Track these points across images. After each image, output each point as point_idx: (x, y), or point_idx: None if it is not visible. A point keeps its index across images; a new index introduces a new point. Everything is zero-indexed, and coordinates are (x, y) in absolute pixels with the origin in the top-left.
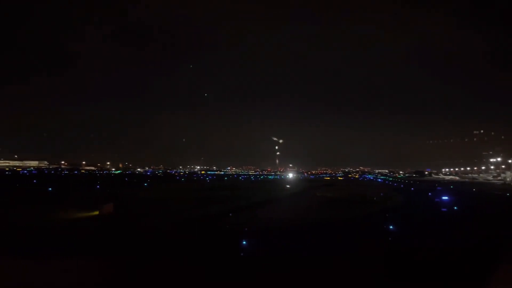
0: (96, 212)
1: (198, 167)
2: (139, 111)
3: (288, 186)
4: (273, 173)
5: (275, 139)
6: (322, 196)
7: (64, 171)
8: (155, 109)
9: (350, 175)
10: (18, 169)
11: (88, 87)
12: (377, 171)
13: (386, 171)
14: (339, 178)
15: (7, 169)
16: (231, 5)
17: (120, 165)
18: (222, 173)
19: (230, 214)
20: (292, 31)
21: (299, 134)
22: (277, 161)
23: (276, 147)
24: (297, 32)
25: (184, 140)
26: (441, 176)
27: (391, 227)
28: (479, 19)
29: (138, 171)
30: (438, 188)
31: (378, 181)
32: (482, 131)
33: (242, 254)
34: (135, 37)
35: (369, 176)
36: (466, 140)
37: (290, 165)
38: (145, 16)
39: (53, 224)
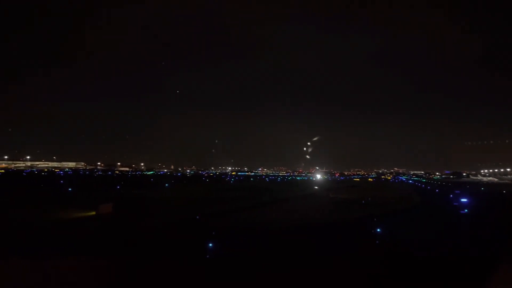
0: (93, 213)
1: (230, 168)
2: (173, 113)
3: (307, 187)
4: (303, 174)
5: (310, 143)
6: (333, 198)
7: (98, 171)
8: (190, 111)
9: (383, 177)
10: (56, 170)
11: (124, 91)
12: (412, 172)
13: (422, 172)
14: (369, 179)
15: (46, 169)
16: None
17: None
18: (252, 174)
19: (227, 215)
20: (316, 32)
21: (333, 135)
22: (302, 164)
23: (304, 149)
24: (321, 33)
25: (216, 141)
26: (479, 177)
27: (379, 230)
28: None
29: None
30: (457, 191)
31: (409, 182)
32: None
33: (208, 256)
34: (168, 39)
35: (402, 177)
36: (506, 141)
37: (317, 168)
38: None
39: (44, 224)
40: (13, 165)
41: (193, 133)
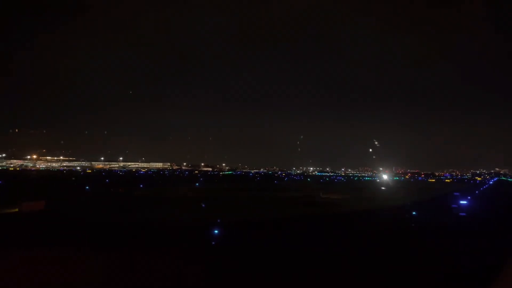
0: (16, 209)
1: (311, 168)
2: (258, 117)
3: (332, 188)
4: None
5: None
6: (319, 198)
7: (176, 171)
8: (275, 114)
9: (476, 177)
10: (142, 169)
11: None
12: None
13: None
14: (446, 180)
15: (134, 169)
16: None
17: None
18: (328, 174)
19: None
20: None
21: (432, 135)
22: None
23: (370, 150)
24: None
25: (298, 142)
26: None
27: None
28: None
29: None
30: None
31: (490, 183)
32: None
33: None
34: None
35: (495, 178)
36: None
37: (381, 168)
38: None
39: None
40: (108, 166)
41: (281, 137)
